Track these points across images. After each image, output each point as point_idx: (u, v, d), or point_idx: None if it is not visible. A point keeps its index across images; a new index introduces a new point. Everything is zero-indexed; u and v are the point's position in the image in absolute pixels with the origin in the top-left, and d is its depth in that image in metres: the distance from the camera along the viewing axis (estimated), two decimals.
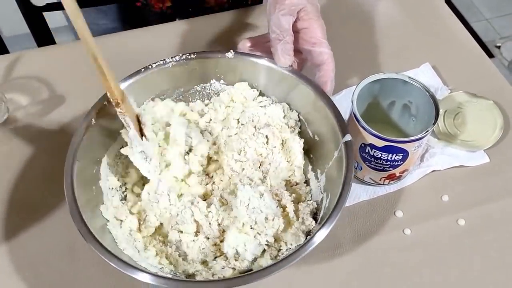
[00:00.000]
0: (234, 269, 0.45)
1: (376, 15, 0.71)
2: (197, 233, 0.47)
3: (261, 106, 0.53)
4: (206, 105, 0.54)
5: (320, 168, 0.51)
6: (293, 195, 0.50)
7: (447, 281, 0.49)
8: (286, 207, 0.48)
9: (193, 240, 0.47)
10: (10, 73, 0.64)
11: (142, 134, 0.46)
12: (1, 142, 0.58)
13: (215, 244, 0.47)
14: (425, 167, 0.56)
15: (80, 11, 0.39)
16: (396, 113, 0.55)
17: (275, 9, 0.49)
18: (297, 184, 0.51)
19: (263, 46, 0.53)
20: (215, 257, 0.47)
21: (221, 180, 0.51)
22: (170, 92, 0.53)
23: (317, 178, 0.51)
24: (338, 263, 0.50)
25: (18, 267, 0.50)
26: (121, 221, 0.48)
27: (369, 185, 0.55)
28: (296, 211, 0.48)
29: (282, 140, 0.52)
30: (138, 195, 0.50)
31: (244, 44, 0.53)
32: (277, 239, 0.47)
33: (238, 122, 0.53)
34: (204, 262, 0.47)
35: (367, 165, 0.52)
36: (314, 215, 0.48)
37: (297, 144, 0.51)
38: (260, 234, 0.46)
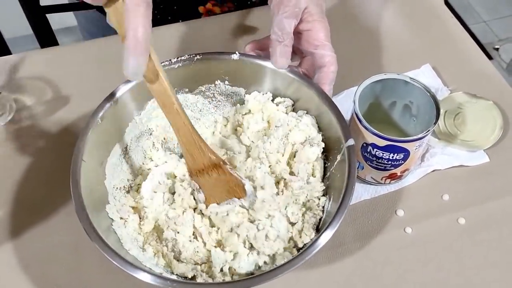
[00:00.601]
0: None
1: (377, 17, 0.72)
2: (194, 236, 0.48)
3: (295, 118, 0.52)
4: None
5: (324, 171, 0.51)
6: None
7: (448, 279, 0.50)
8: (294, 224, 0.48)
9: (190, 241, 0.47)
10: (15, 73, 0.65)
11: None
12: (6, 141, 0.59)
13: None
14: (425, 166, 0.56)
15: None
16: (397, 113, 0.56)
17: (278, 11, 0.49)
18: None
19: (268, 49, 0.53)
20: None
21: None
22: (175, 92, 0.53)
23: (320, 182, 0.51)
24: (340, 262, 0.51)
25: (24, 265, 0.50)
26: (126, 220, 0.48)
27: (371, 184, 0.55)
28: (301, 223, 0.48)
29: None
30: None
31: (251, 47, 0.53)
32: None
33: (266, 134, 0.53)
34: (200, 264, 0.47)
35: (368, 165, 0.53)
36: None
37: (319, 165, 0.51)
38: (258, 254, 0.46)
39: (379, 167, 0.52)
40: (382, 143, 0.49)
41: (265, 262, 0.46)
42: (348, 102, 0.58)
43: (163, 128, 0.54)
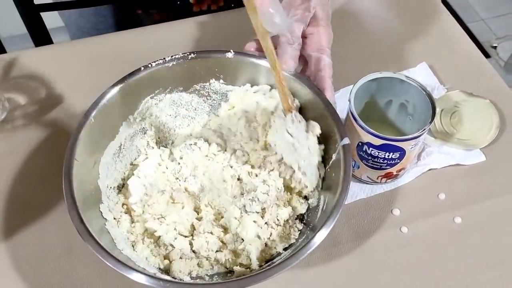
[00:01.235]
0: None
1: (373, 15, 0.72)
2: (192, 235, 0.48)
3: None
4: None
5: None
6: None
7: (444, 279, 0.49)
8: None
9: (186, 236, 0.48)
10: (8, 72, 0.64)
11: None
12: None
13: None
14: (422, 165, 0.56)
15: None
16: (393, 112, 0.55)
17: (288, 13, 0.49)
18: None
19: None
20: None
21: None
22: (170, 91, 0.53)
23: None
24: (336, 261, 0.50)
25: (17, 265, 0.50)
26: (118, 220, 0.48)
27: (366, 183, 0.55)
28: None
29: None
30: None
31: (250, 46, 0.53)
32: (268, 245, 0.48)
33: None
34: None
35: (364, 164, 0.52)
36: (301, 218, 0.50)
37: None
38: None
39: (375, 166, 0.52)
40: (377, 142, 0.49)
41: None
42: (343, 100, 0.58)
43: (157, 128, 0.54)
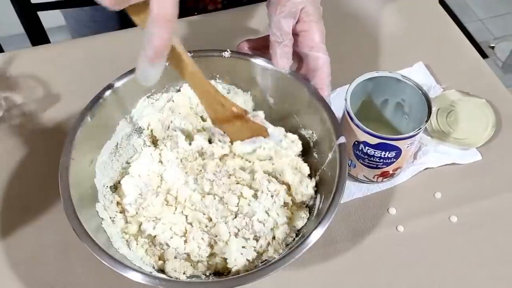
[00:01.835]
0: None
1: (370, 15, 0.72)
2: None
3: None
4: None
5: (315, 168, 0.51)
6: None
7: (440, 277, 0.50)
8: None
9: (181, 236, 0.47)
10: (5, 71, 0.64)
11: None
12: None
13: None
14: (418, 164, 0.56)
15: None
16: (390, 111, 0.56)
17: (276, 11, 0.49)
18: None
19: (263, 49, 0.52)
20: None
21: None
22: (166, 90, 0.53)
23: (310, 179, 0.51)
24: (332, 260, 0.50)
25: (14, 264, 0.50)
26: (113, 220, 0.48)
27: (363, 182, 0.55)
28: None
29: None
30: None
31: (244, 46, 0.53)
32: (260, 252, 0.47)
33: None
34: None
35: (360, 163, 0.53)
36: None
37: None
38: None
39: (371, 165, 0.52)
40: (373, 141, 0.49)
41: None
42: (340, 100, 0.58)
43: (154, 127, 0.54)
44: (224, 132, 0.50)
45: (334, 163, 0.46)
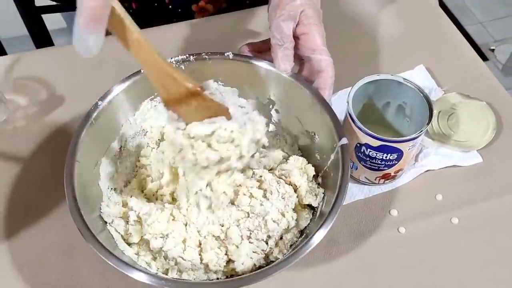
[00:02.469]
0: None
1: (371, 18, 0.72)
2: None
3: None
4: None
5: (317, 169, 0.51)
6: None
7: (441, 279, 0.50)
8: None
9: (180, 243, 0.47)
10: (9, 74, 0.65)
11: None
12: (0, 142, 0.59)
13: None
14: (419, 167, 0.57)
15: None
16: (391, 114, 0.56)
17: (276, 14, 0.49)
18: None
19: (265, 52, 0.53)
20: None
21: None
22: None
23: (314, 179, 0.52)
24: (334, 261, 0.51)
25: (18, 266, 0.50)
26: (118, 224, 0.48)
27: (365, 184, 0.56)
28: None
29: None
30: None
31: (245, 49, 0.53)
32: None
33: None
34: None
35: (362, 165, 0.53)
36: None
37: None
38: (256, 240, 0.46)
39: (372, 167, 0.53)
40: (375, 143, 0.49)
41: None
42: (342, 102, 0.58)
43: (158, 129, 0.54)
44: (179, 115, 0.43)
45: (336, 164, 0.46)
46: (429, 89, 0.63)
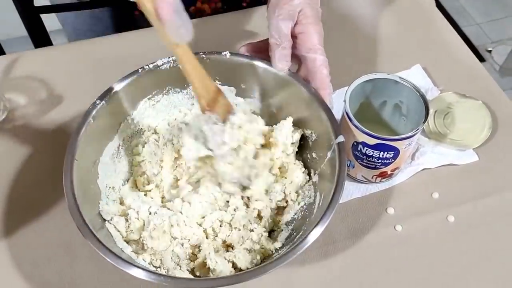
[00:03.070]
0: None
1: (368, 18, 0.73)
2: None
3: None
4: None
5: (314, 168, 0.52)
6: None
7: (437, 277, 0.50)
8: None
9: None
10: (8, 73, 0.65)
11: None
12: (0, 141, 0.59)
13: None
14: (415, 165, 0.57)
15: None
16: (388, 113, 0.56)
17: (274, 14, 0.49)
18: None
19: (264, 52, 0.53)
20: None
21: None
22: (166, 92, 0.54)
23: (310, 177, 0.52)
24: (331, 259, 0.51)
25: (16, 264, 0.50)
26: (117, 221, 0.48)
27: (361, 182, 0.56)
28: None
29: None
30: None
31: (245, 49, 0.53)
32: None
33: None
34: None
35: (359, 163, 0.53)
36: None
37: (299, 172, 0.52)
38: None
39: (369, 165, 0.53)
40: (372, 141, 0.50)
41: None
42: (339, 101, 0.59)
43: (154, 129, 0.55)
44: (217, 115, 0.47)
45: (333, 161, 0.47)
46: (426, 88, 0.64)
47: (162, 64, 0.51)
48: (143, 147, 0.53)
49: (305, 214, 0.50)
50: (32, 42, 0.83)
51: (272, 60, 0.50)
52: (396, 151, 0.51)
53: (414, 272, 0.50)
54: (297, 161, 0.53)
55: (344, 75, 0.58)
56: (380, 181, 0.56)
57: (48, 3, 0.80)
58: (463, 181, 0.57)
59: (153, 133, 0.54)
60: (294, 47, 0.51)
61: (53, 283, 0.49)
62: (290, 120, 0.52)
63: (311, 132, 0.52)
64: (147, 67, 0.51)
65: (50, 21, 0.83)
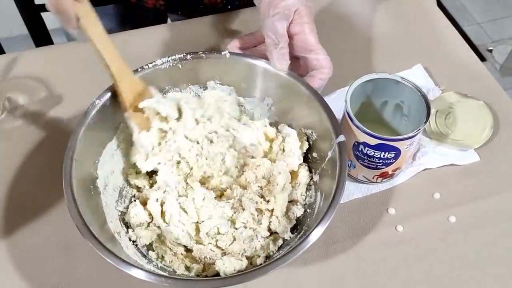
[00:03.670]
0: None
1: (369, 18, 0.73)
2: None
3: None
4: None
5: (315, 167, 0.52)
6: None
7: (438, 277, 0.50)
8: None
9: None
10: (8, 72, 0.65)
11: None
12: None
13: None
14: (417, 165, 0.57)
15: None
16: (389, 113, 0.56)
17: (269, 13, 0.49)
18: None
19: (253, 46, 0.53)
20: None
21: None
22: (166, 91, 0.53)
23: (311, 177, 0.52)
24: (332, 259, 0.51)
25: (16, 263, 0.50)
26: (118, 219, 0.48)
27: (362, 183, 0.56)
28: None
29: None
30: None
31: (234, 44, 0.53)
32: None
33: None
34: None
35: (360, 163, 0.53)
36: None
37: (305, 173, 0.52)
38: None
39: (370, 165, 0.53)
40: (373, 141, 0.50)
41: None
42: (340, 102, 0.58)
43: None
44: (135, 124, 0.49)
45: (334, 161, 0.47)
46: (427, 88, 0.64)
47: (162, 64, 0.51)
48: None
49: (306, 214, 0.50)
50: (32, 41, 0.83)
51: (271, 60, 0.50)
52: (398, 152, 0.50)
53: (415, 272, 0.50)
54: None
55: (344, 75, 0.57)
56: (381, 181, 0.56)
57: None
58: (464, 182, 0.56)
59: None
60: (290, 47, 0.50)
61: (52, 281, 0.49)
62: (294, 132, 0.52)
63: (312, 132, 0.52)
64: (146, 66, 0.51)
65: (51, 19, 0.82)
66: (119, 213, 0.50)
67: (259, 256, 0.47)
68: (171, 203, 0.48)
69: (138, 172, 0.52)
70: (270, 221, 0.49)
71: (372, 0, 0.75)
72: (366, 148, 0.51)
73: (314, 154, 0.52)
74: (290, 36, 0.50)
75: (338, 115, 0.51)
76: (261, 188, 0.50)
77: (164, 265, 0.47)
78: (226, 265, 0.45)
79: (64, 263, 0.50)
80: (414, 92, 0.52)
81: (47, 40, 0.84)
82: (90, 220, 0.43)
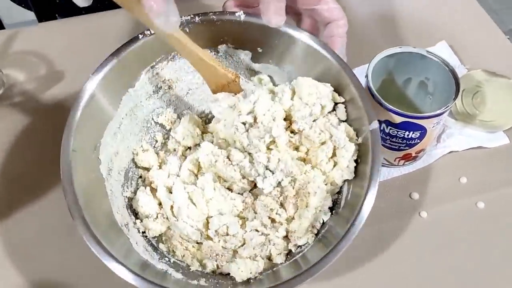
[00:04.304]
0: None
1: None
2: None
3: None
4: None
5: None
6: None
7: (465, 266, 0.47)
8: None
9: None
10: (8, 48, 0.62)
11: None
12: None
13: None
14: (442, 148, 0.53)
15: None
16: (412, 91, 0.52)
17: None
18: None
19: (250, 5, 0.47)
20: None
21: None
22: (172, 57, 0.48)
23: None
24: (352, 246, 0.47)
25: (12, 247, 0.48)
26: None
27: (383, 166, 0.52)
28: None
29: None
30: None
31: (230, 3, 0.47)
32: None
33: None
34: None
35: (381, 144, 0.49)
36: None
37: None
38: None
39: (393, 146, 0.49)
40: (397, 119, 0.46)
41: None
42: (360, 78, 0.55)
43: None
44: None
45: (366, 151, 0.41)
46: (452, 66, 0.59)
47: None
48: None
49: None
50: (35, 15, 0.79)
51: (266, 14, 0.43)
52: (423, 131, 0.47)
53: (440, 261, 0.47)
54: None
55: (364, 52, 0.53)
56: (403, 164, 0.52)
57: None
58: (493, 165, 0.53)
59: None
60: (292, 1, 0.45)
61: (51, 268, 0.47)
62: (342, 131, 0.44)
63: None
64: (148, 32, 0.46)
65: None
66: (126, 200, 0.46)
67: (279, 254, 0.43)
68: (178, 191, 0.44)
69: (145, 150, 0.49)
70: (288, 232, 0.44)
71: None
72: (389, 127, 0.47)
73: None
74: None
75: None
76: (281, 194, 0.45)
77: (177, 260, 0.44)
78: (242, 269, 0.42)
79: (64, 248, 0.48)
80: (441, 68, 0.48)
81: (50, 15, 0.80)
82: (93, 212, 0.40)
